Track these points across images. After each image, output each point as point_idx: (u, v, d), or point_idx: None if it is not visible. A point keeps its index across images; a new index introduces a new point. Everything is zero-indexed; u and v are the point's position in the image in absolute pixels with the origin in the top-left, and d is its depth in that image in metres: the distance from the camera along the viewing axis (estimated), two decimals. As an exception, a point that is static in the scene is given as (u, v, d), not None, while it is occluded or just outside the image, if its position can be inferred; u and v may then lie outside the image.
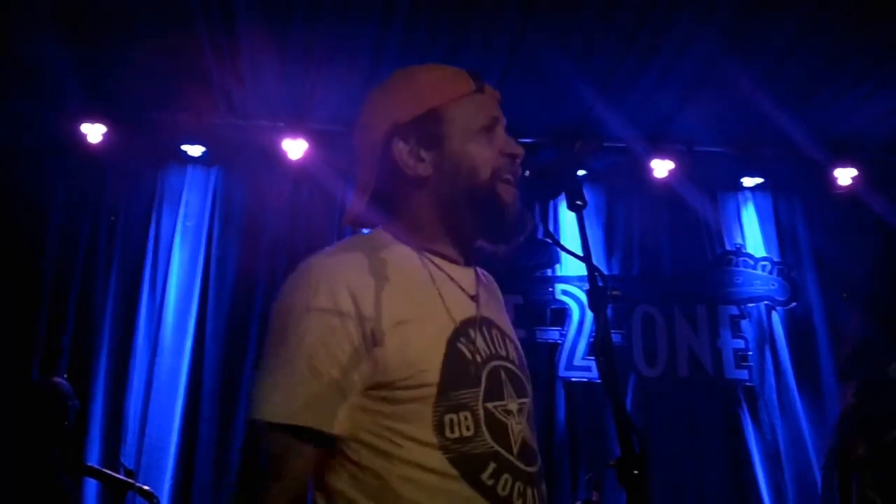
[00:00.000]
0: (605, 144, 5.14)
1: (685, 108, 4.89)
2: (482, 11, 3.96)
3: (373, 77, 4.23)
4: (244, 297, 5.05)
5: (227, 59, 4.33)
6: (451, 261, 1.67)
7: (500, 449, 1.53)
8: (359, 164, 1.71)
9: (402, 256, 1.63)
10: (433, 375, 1.51)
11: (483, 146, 1.64)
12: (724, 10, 3.99)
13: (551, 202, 5.25)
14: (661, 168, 5.28)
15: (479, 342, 1.59)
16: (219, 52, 4.27)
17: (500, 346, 1.64)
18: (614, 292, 1.46)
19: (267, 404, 1.49)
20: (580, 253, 1.49)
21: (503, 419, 1.56)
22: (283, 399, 1.48)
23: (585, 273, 1.48)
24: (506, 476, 1.52)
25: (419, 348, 1.52)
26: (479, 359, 1.57)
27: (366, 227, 1.76)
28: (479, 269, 1.72)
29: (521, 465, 1.55)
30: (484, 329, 1.63)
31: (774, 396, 5.40)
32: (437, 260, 1.65)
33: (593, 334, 5.19)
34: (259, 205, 5.17)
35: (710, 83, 4.60)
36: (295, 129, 4.95)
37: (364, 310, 1.50)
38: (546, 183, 1.56)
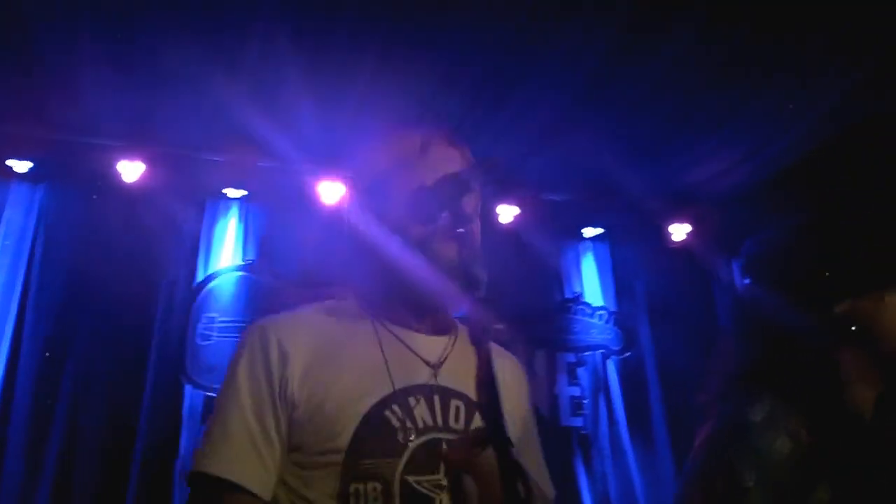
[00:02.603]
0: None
1: (534, 156, 4.96)
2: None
3: (228, 94, 4.04)
4: (63, 328, 4.65)
5: (65, 73, 4.03)
6: (412, 329, 1.65)
7: None
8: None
9: (354, 324, 1.63)
10: (343, 441, 1.46)
11: (415, 208, 1.61)
12: (578, 65, 4.08)
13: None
14: (507, 213, 5.31)
15: (420, 411, 1.54)
16: (55, 66, 3.97)
17: (453, 418, 1.57)
18: (497, 326, 1.41)
19: (196, 455, 1.53)
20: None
21: (429, 493, 1.49)
22: (211, 452, 1.51)
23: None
24: None
25: (334, 413, 1.49)
26: (409, 427, 1.51)
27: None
28: (472, 341, 1.50)
29: None
30: (435, 398, 1.57)
31: (607, 445, 5.47)
32: (395, 328, 1.64)
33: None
34: (89, 227, 4.81)
35: (559, 133, 4.68)
36: (133, 150, 4.67)
37: (289, 372, 1.52)
38: None
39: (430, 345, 1.66)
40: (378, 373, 1.56)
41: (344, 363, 1.57)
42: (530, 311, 5.61)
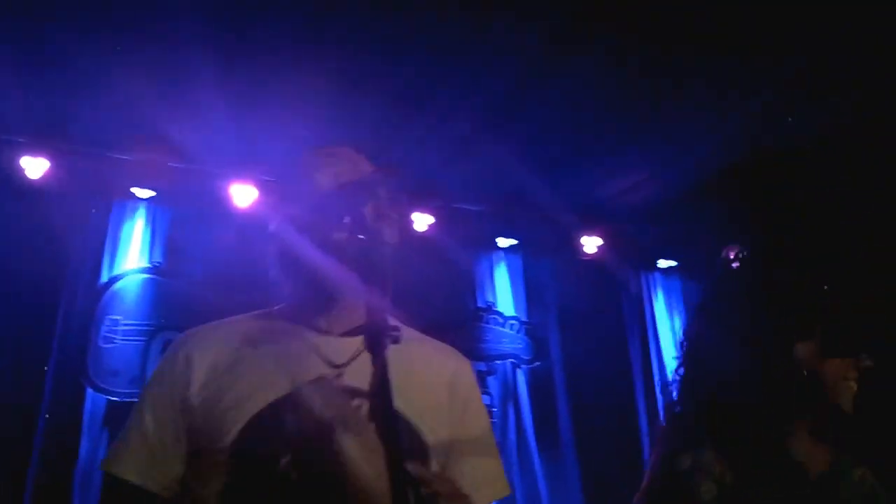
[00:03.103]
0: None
1: (449, 166, 4.98)
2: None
3: (138, 93, 3.95)
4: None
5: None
6: (321, 330, 1.69)
7: None
8: None
9: (271, 329, 1.69)
10: (228, 441, 1.51)
11: (320, 213, 1.66)
12: (494, 78, 4.12)
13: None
14: (422, 222, 5.33)
15: (317, 410, 1.56)
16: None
17: (352, 416, 1.59)
18: (395, 332, 1.41)
19: (108, 456, 1.64)
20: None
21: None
22: (120, 454, 1.62)
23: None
24: None
25: (223, 414, 1.54)
26: (303, 427, 1.53)
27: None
28: (367, 343, 1.51)
29: None
30: (335, 398, 1.59)
31: (514, 453, 5.52)
32: (306, 330, 1.69)
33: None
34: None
35: (474, 144, 4.72)
36: (37, 146, 4.52)
37: (191, 380, 1.59)
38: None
39: (339, 346, 1.68)
40: (277, 374, 1.60)
41: (246, 367, 1.62)
42: (442, 318, 5.63)
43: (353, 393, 1.62)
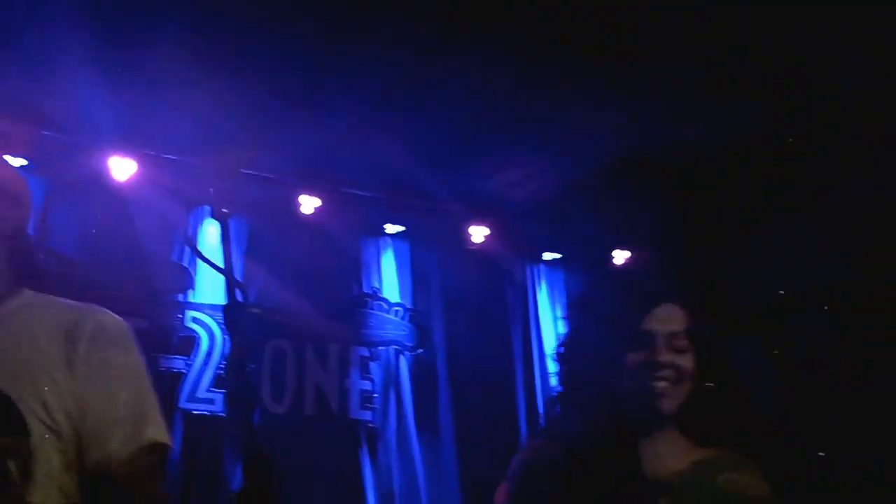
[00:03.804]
0: (253, 173, 5.03)
1: (338, 149, 4.94)
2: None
3: (7, 59, 3.77)
4: None
5: None
6: None
7: None
8: None
9: None
10: None
11: None
12: (385, 66, 4.11)
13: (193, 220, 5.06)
14: (309, 204, 5.26)
15: None
16: None
17: None
18: (254, 310, 1.38)
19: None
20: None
21: None
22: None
23: (220, 302, 1.37)
24: None
25: None
26: None
27: None
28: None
29: None
30: None
31: (394, 439, 5.53)
32: None
33: (221, 366, 5.01)
34: None
35: (364, 131, 4.70)
36: None
37: None
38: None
39: None
40: None
41: None
42: (326, 303, 5.59)
43: None
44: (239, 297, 1.36)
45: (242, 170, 4.87)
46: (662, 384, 1.74)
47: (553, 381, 1.94)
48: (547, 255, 6.13)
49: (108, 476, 1.59)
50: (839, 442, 4.68)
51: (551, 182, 5.37)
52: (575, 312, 1.96)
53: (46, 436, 1.53)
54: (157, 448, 1.65)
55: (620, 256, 5.98)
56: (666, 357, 1.74)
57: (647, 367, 1.74)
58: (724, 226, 5.70)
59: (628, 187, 5.31)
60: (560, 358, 1.91)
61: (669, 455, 1.79)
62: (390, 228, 5.80)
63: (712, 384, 1.79)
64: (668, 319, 1.79)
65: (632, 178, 5.27)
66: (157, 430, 1.66)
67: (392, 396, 5.63)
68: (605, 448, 1.73)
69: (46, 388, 1.57)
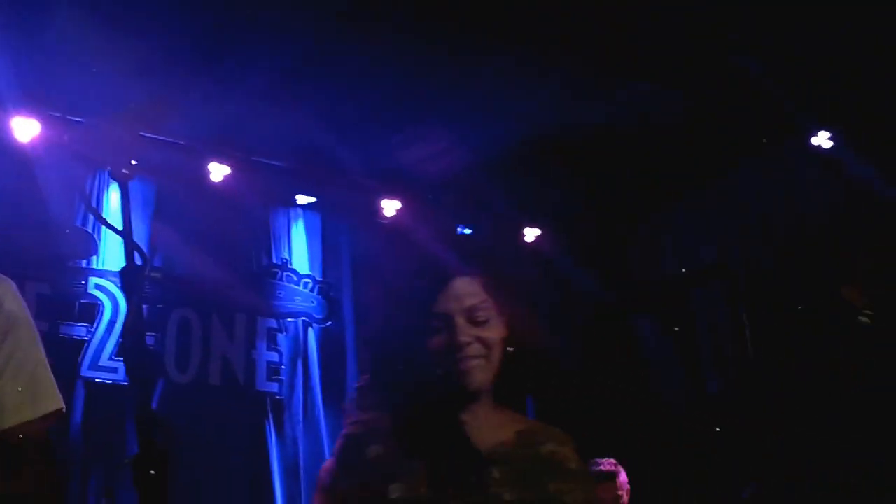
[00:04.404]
0: (162, 139, 4.92)
1: (250, 117, 4.87)
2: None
3: None
4: None
5: None
6: None
7: None
8: None
9: None
10: None
11: None
12: (296, 36, 4.06)
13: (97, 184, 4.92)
14: (219, 172, 5.17)
15: None
16: None
17: None
18: (154, 274, 1.36)
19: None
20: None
21: None
22: None
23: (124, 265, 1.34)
24: None
25: None
26: None
27: None
28: None
29: None
30: None
31: (300, 411, 5.51)
32: None
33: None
34: None
35: (276, 100, 4.64)
36: None
37: None
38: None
39: None
40: None
41: None
42: (234, 273, 5.51)
43: None
44: (138, 260, 1.32)
45: (150, 134, 4.75)
46: (471, 363, 1.70)
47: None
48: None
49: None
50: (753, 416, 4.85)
51: (464, 158, 5.41)
52: (373, 294, 1.91)
53: None
54: (50, 416, 1.70)
55: (531, 234, 6.07)
56: (467, 335, 1.70)
57: (452, 349, 1.70)
58: (630, 205, 5.84)
59: (539, 165, 5.39)
60: (366, 343, 1.88)
61: (491, 427, 1.77)
62: (301, 199, 5.74)
63: (514, 348, 1.76)
64: (464, 295, 1.74)
65: (542, 157, 5.35)
66: (53, 400, 1.73)
67: (300, 368, 5.60)
68: (428, 424, 1.71)
69: None
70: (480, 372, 1.71)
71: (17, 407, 1.68)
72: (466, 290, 1.73)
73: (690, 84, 4.76)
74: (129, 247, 1.31)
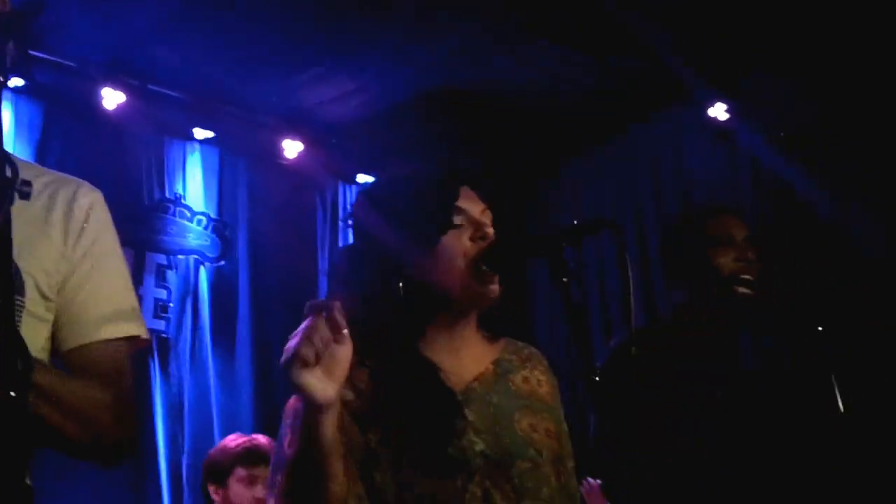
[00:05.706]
0: (51, 59, 4.69)
1: (147, 42, 4.70)
2: None
3: None
4: None
5: None
6: None
7: None
8: None
9: None
10: None
11: None
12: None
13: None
14: (112, 99, 4.96)
15: None
16: None
17: None
18: (25, 189, 1.28)
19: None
20: None
21: None
22: None
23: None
24: None
25: None
26: None
27: None
28: None
29: None
30: None
31: (188, 350, 5.39)
32: None
33: None
34: None
35: (175, 27, 4.50)
36: None
37: None
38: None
39: None
40: None
41: None
42: (123, 205, 5.31)
43: None
44: (8, 173, 1.24)
45: (39, 53, 4.53)
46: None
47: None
48: (361, 178, 6.07)
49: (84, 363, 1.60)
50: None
51: (368, 104, 5.35)
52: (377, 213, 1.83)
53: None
54: (133, 341, 1.69)
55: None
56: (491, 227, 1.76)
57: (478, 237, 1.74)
58: (528, 162, 5.90)
59: (444, 116, 5.38)
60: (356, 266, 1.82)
61: (471, 357, 1.78)
62: (199, 133, 5.55)
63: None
64: (474, 198, 1.79)
65: (447, 108, 5.33)
66: (139, 325, 1.72)
67: (189, 307, 5.45)
68: (403, 362, 1.70)
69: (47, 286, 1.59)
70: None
71: (97, 322, 1.64)
72: (476, 196, 1.80)
73: (597, 47, 4.81)
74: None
